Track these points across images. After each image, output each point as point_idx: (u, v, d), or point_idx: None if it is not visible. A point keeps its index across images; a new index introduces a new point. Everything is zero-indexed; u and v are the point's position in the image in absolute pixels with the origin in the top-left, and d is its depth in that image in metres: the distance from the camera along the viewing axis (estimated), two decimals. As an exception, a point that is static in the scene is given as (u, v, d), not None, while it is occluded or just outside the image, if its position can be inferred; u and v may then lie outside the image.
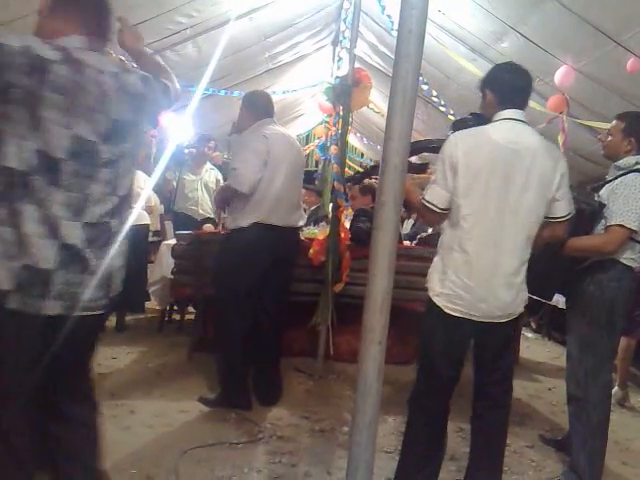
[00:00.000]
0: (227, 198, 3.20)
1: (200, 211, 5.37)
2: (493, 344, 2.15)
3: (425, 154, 2.52)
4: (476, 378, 2.23)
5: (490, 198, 1.97)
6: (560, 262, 2.46)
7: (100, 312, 1.63)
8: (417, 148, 2.36)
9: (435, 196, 2.02)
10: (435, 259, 2.12)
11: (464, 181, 1.96)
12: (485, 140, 1.99)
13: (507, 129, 2.02)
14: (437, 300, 2.04)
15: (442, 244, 2.09)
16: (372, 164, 4.33)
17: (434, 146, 2.34)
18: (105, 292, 1.62)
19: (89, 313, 1.58)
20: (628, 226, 2.34)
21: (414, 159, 2.42)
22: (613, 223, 2.37)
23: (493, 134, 2.00)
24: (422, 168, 2.59)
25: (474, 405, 2.24)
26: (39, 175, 1.45)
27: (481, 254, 1.99)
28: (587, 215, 2.43)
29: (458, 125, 2.17)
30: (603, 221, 2.43)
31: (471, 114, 2.23)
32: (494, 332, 2.08)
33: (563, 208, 2.09)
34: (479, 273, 1.99)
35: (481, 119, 2.13)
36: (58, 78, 1.45)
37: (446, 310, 2.02)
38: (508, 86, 2.08)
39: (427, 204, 2.04)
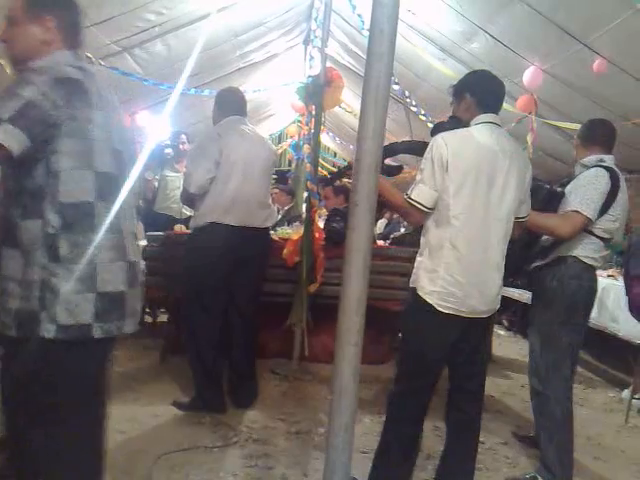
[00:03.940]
0: (186, 199, 3.21)
1: (183, 209, 5.15)
2: (473, 338, 2.17)
3: (400, 156, 2.51)
4: (453, 372, 2.24)
5: (478, 197, 2.01)
6: (513, 249, 2.52)
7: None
8: (393, 150, 2.36)
9: (423, 195, 2.03)
10: (420, 259, 2.11)
11: (455, 181, 1.99)
12: (472, 141, 2.04)
13: (488, 132, 2.07)
14: (428, 298, 2.03)
15: (428, 243, 2.09)
16: (345, 164, 4.31)
17: (411, 147, 2.36)
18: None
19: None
20: (583, 212, 2.44)
21: (388, 161, 2.41)
22: (569, 209, 2.49)
23: (477, 136, 2.06)
24: (397, 170, 2.59)
25: (451, 398, 2.25)
26: (102, 199, 1.43)
27: (472, 251, 2.02)
28: (559, 197, 2.56)
29: (438, 128, 2.19)
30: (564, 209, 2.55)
31: (450, 117, 2.25)
32: (476, 327, 2.12)
33: (525, 209, 2.20)
34: (470, 269, 2.02)
35: (458, 123, 2.16)
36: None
37: (439, 308, 2.03)
38: (487, 91, 2.16)
39: (414, 203, 2.04)
